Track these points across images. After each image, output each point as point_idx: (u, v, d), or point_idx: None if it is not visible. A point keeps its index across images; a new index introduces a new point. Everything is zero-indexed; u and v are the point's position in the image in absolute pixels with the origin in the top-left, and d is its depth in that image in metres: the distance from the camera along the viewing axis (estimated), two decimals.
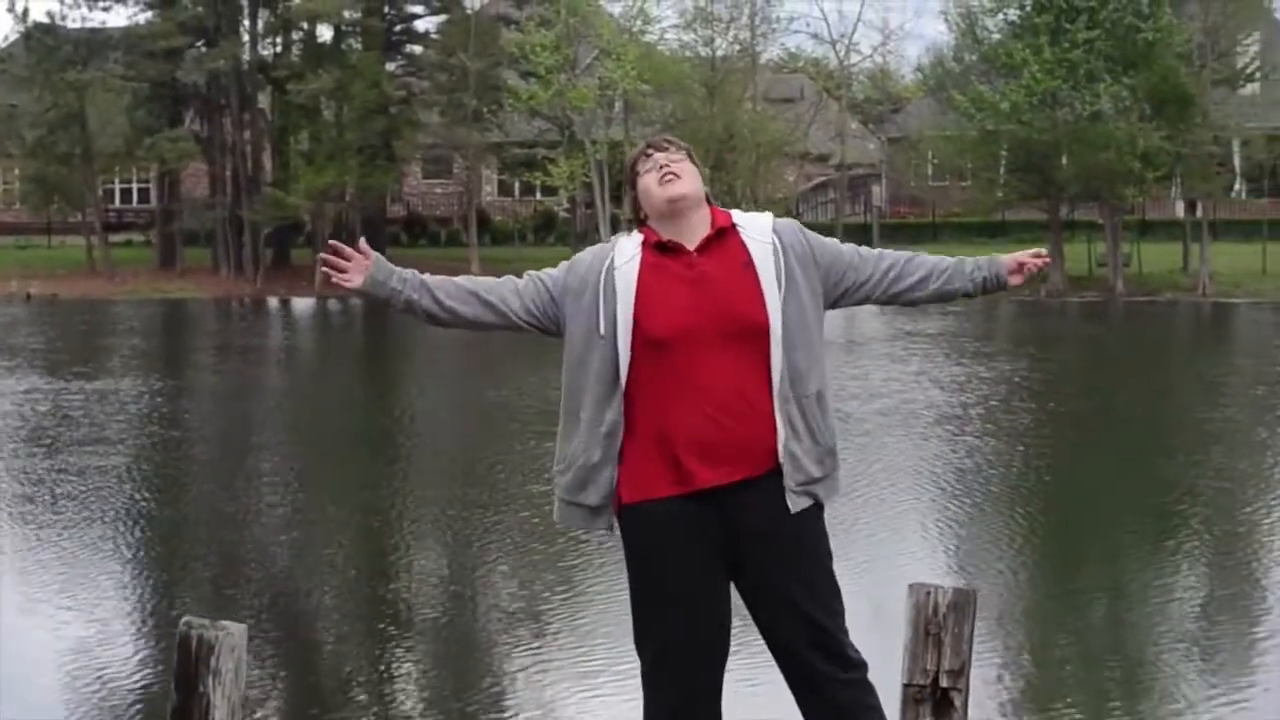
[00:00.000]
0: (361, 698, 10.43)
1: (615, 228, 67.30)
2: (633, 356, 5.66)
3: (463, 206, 76.95)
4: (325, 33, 76.44)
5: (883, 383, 29.25)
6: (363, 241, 5.89)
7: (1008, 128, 62.32)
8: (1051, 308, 55.44)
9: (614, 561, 14.09)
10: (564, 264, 5.94)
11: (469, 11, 73.61)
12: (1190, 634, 11.84)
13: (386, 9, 75.55)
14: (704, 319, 5.63)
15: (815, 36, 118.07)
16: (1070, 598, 13.27)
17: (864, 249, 6.03)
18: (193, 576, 14.07)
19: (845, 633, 5.79)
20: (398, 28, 77.39)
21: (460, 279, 5.95)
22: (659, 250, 5.75)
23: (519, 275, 5.90)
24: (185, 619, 5.38)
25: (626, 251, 5.79)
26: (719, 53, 72.45)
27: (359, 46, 73.58)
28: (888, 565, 13.65)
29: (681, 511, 5.66)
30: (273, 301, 65.75)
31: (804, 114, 75.99)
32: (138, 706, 9.97)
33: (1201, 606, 12.82)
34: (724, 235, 5.77)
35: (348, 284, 5.80)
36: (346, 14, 73.63)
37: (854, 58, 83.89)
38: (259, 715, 9.76)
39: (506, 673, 10.76)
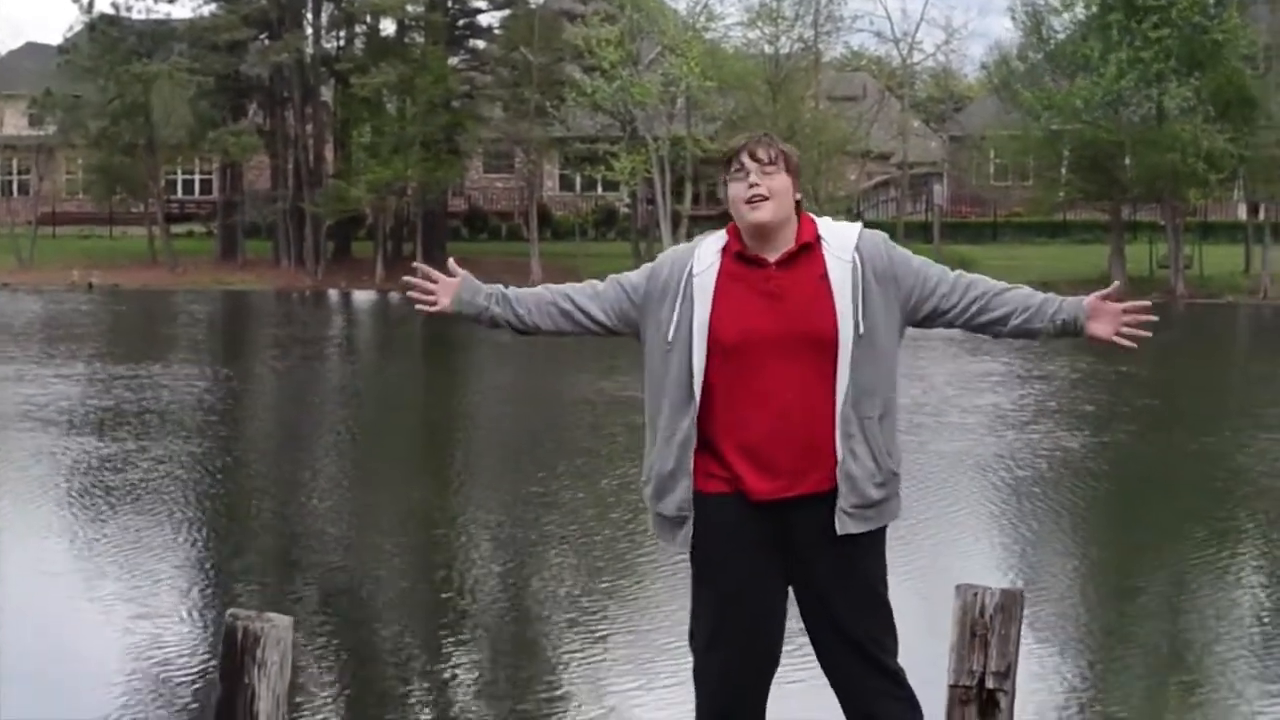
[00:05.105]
0: (415, 693, 10.41)
1: (676, 224, 67.49)
2: (707, 365, 5.60)
3: (524, 201, 77.06)
4: (388, 27, 76.76)
5: (945, 381, 29.19)
6: (452, 262, 5.91)
7: (1072, 127, 62.14)
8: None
9: (676, 565, 14.07)
10: (646, 268, 5.89)
11: (532, 6, 73.79)
12: (1252, 639, 11.68)
13: (450, 3, 75.76)
14: (775, 329, 5.56)
15: (878, 35, 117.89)
16: (1126, 597, 13.15)
17: (957, 275, 5.86)
18: (250, 568, 14.07)
19: (891, 654, 5.81)
20: (461, 22, 77.61)
21: (541, 289, 5.93)
22: (739, 260, 5.69)
23: (587, 274, 5.88)
24: (231, 610, 5.37)
25: (706, 258, 5.72)
26: (782, 50, 72.43)
27: (422, 40, 73.79)
28: (944, 564, 13.54)
29: (745, 516, 5.64)
30: (333, 294, 65.93)
31: (866, 112, 75.85)
32: (185, 698, 9.96)
33: (1265, 610, 12.65)
34: (808, 249, 5.68)
35: (436, 308, 5.84)
36: (410, 8, 73.89)
37: (917, 56, 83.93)
38: (313, 705, 9.74)
39: (565, 672, 10.70)
